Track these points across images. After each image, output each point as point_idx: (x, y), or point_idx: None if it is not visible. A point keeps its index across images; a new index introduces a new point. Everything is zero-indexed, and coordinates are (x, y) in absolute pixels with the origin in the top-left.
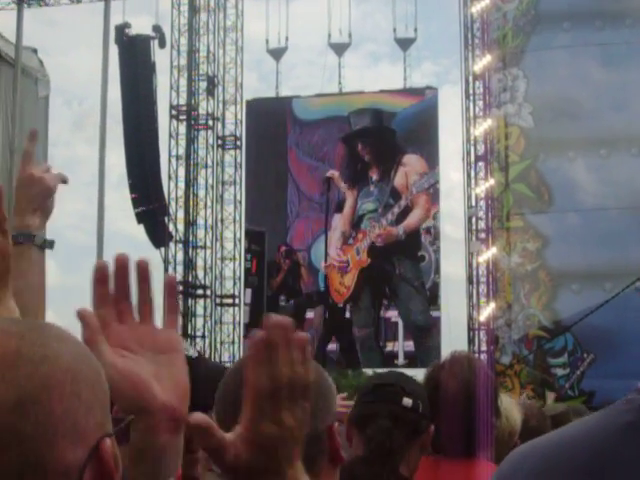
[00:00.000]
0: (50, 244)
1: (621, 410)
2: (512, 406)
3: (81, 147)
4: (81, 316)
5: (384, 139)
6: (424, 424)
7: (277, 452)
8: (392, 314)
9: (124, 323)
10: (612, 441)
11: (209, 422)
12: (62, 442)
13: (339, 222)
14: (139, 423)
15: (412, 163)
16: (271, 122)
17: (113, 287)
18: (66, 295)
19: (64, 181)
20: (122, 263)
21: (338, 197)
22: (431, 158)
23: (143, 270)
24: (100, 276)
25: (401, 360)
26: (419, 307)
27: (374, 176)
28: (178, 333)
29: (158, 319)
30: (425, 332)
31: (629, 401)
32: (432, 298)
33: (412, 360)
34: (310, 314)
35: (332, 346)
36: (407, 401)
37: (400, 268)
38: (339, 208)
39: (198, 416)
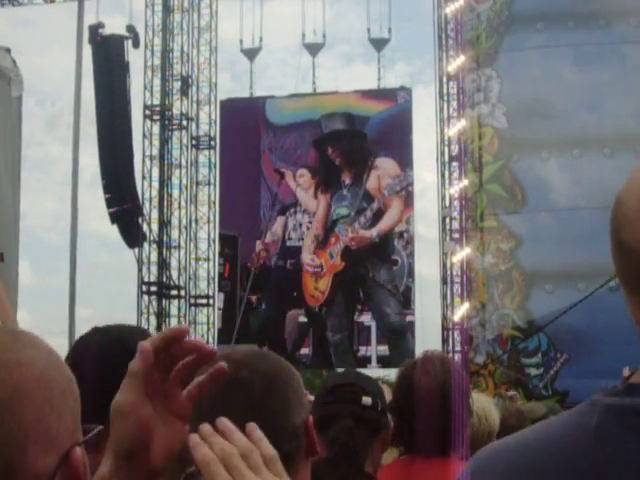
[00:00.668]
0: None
1: (586, 412)
2: (490, 406)
3: (54, 147)
4: (142, 349)
5: (355, 142)
6: (384, 421)
7: None
8: (365, 318)
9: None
10: (579, 443)
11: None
12: (33, 448)
13: (313, 226)
14: (126, 465)
15: (385, 167)
16: (245, 123)
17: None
18: (39, 295)
19: None
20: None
21: (283, 200)
22: (404, 160)
23: (217, 375)
24: (146, 363)
25: (374, 364)
26: (393, 310)
27: (346, 180)
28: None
29: None
30: (399, 335)
31: (594, 403)
32: (405, 302)
33: (386, 364)
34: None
35: (305, 350)
36: (366, 400)
37: (374, 271)
38: (283, 211)
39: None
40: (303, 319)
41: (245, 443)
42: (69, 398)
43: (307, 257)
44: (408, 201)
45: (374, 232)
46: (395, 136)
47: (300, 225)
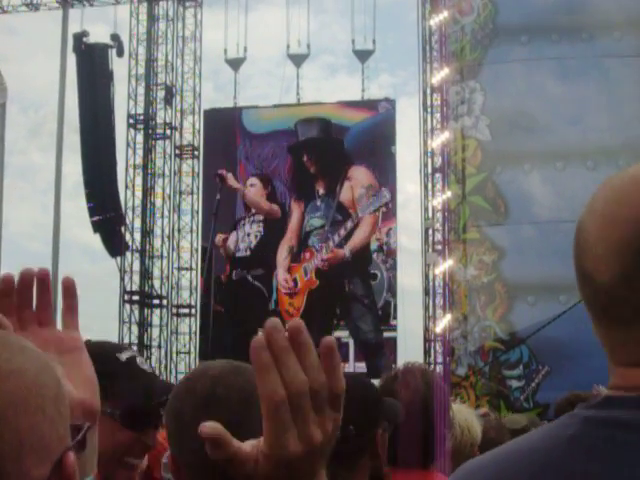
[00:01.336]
0: None
1: (566, 424)
2: (472, 418)
3: (37, 155)
4: None
5: (331, 150)
6: (364, 441)
7: (302, 468)
8: (343, 334)
9: (26, 330)
10: (555, 454)
11: (223, 432)
12: (28, 458)
13: (287, 236)
14: None
15: (357, 176)
16: (226, 133)
17: (16, 298)
18: None
19: None
20: (26, 275)
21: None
22: (385, 171)
23: (43, 278)
24: (4, 288)
25: None
26: (370, 326)
27: (320, 189)
28: (78, 332)
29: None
30: (377, 351)
31: (573, 415)
32: (384, 316)
33: None
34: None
35: None
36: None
37: (350, 285)
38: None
39: (211, 426)
40: None
41: (321, 378)
42: (60, 403)
43: (281, 276)
44: (387, 216)
45: (347, 250)
46: (375, 146)
47: (248, 235)
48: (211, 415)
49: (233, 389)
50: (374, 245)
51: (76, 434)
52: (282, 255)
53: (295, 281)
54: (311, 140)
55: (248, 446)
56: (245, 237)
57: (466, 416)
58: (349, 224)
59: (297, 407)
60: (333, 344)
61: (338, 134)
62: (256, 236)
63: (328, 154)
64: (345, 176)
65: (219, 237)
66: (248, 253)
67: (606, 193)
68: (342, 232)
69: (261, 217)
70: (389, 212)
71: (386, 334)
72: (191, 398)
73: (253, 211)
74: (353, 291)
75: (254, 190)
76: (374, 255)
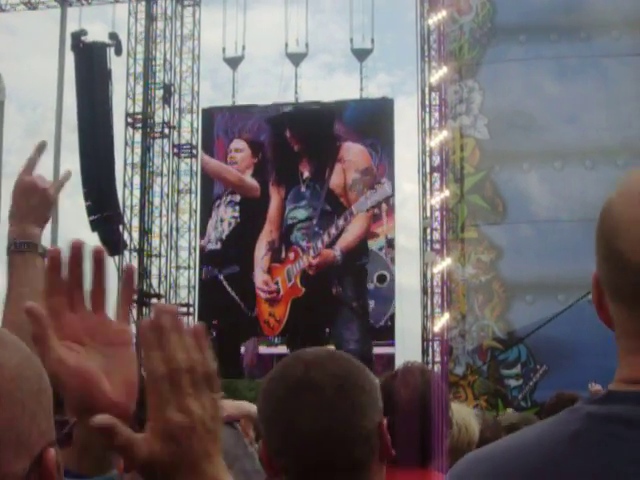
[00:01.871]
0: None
1: (568, 419)
2: (470, 416)
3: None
4: (29, 312)
5: (320, 125)
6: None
7: (191, 445)
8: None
9: (76, 312)
10: (559, 449)
11: (113, 421)
12: (5, 453)
13: (266, 229)
14: (86, 420)
15: (352, 157)
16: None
17: (67, 275)
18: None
19: (67, 179)
20: (77, 250)
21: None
22: (385, 150)
23: (98, 258)
24: (53, 263)
25: None
26: (354, 334)
27: (305, 172)
28: (130, 326)
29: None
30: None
31: (575, 410)
32: (385, 331)
33: None
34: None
35: None
36: None
37: (338, 288)
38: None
39: (100, 417)
40: (265, 350)
41: (195, 356)
42: (42, 397)
43: (259, 277)
44: (389, 212)
45: (337, 251)
46: (374, 123)
47: (221, 221)
48: (302, 399)
49: (327, 374)
50: (381, 241)
51: (61, 429)
52: (260, 251)
53: (277, 285)
54: (296, 112)
55: (140, 434)
56: (218, 223)
57: (464, 415)
58: (341, 222)
59: (175, 382)
60: (202, 329)
61: (330, 110)
62: (230, 223)
63: (316, 129)
64: (336, 157)
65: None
66: (219, 246)
67: (638, 175)
68: (333, 231)
69: (238, 198)
70: (390, 209)
71: (381, 349)
72: (284, 382)
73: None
74: (341, 294)
75: (240, 157)
76: (382, 252)
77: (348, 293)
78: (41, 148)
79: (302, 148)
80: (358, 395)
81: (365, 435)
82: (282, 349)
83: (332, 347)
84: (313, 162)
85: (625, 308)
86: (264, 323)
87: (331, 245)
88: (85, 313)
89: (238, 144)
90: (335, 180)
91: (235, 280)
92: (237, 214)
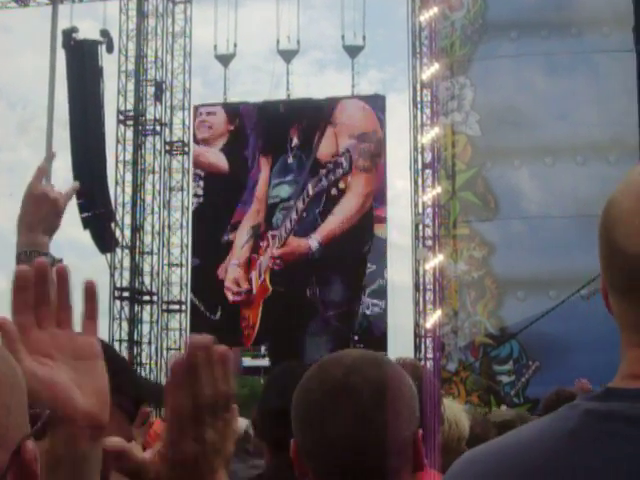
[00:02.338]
0: (59, 262)
1: (566, 416)
2: (461, 412)
3: (25, 151)
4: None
5: (312, 102)
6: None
7: (198, 466)
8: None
9: (43, 329)
10: (557, 446)
11: (124, 446)
12: None
13: (252, 210)
14: (59, 431)
15: (347, 119)
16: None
17: (33, 294)
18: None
19: (75, 190)
20: (42, 269)
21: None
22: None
23: (62, 276)
24: (20, 283)
25: None
26: (322, 347)
27: (294, 138)
28: (98, 339)
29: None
30: None
31: (574, 407)
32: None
33: None
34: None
35: None
36: None
37: (315, 289)
38: None
39: (113, 440)
40: (250, 362)
41: (222, 389)
42: (16, 391)
43: (232, 273)
44: (376, 180)
45: (314, 241)
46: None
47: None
48: (340, 404)
49: (367, 380)
50: (384, 231)
51: (35, 423)
52: (242, 238)
53: (250, 283)
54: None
55: (148, 453)
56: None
57: (454, 411)
58: (324, 182)
59: (197, 417)
60: (230, 355)
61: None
62: (192, 203)
63: (308, 102)
64: (328, 120)
65: None
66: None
67: (637, 172)
68: (317, 210)
69: (202, 172)
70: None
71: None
72: (321, 384)
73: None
74: (316, 298)
75: (211, 120)
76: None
77: (331, 296)
78: (51, 158)
79: (291, 112)
80: (396, 404)
81: (399, 445)
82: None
83: (377, 353)
84: (302, 126)
85: (622, 300)
86: (242, 329)
87: (308, 232)
88: (53, 330)
89: (211, 108)
90: (324, 149)
91: (196, 275)
92: (201, 191)
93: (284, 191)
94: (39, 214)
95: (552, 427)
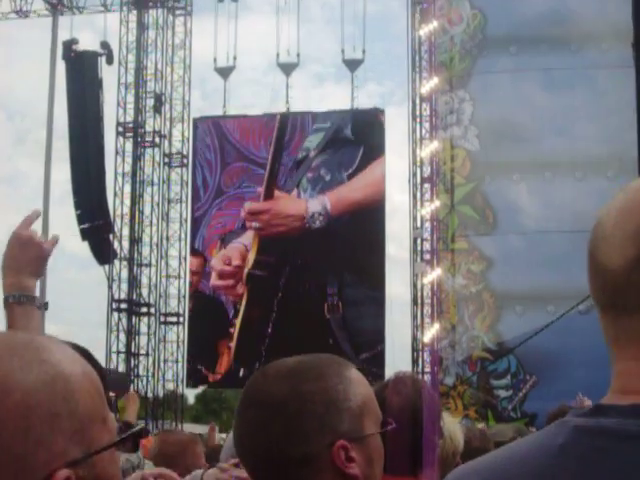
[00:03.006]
0: (46, 306)
1: (555, 432)
2: (455, 426)
3: (23, 162)
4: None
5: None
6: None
7: None
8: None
9: None
10: (545, 462)
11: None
12: (3, 476)
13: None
14: None
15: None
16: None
17: None
18: None
19: (57, 240)
20: None
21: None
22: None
23: None
24: None
25: None
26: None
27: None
28: None
29: None
30: None
31: (563, 423)
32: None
33: None
34: None
35: None
36: None
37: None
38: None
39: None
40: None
41: None
42: (61, 420)
43: (216, 255)
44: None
45: (315, 203)
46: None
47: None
48: (245, 415)
49: (274, 393)
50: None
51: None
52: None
53: (234, 272)
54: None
55: None
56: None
57: (449, 425)
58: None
59: None
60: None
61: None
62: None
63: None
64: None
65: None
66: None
67: (624, 191)
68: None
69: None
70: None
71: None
72: (242, 394)
73: None
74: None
75: None
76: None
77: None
78: (38, 213)
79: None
80: (298, 419)
81: (303, 457)
82: None
83: (315, 357)
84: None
85: (605, 316)
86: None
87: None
88: None
89: None
90: None
91: None
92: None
93: (312, 142)
94: (25, 258)
95: (542, 443)
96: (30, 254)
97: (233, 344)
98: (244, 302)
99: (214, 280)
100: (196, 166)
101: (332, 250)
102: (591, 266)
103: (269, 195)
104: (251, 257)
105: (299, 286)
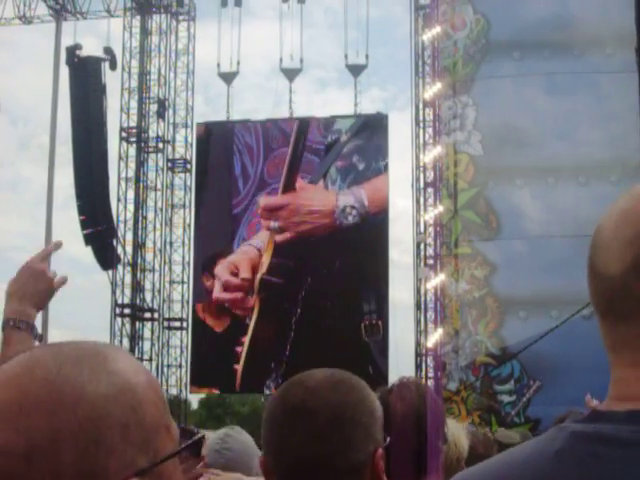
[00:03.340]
0: (41, 338)
1: (554, 437)
2: (460, 432)
3: (26, 167)
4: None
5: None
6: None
7: None
8: None
9: None
10: (543, 467)
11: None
12: None
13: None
14: None
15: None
16: (220, 147)
17: None
18: None
19: (65, 281)
20: None
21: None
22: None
23: None
24: None
25: None
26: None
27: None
28: None
29: None
30: None
31: (561, 429)
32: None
33: None
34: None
35: None
36: None
37: (330, 302)
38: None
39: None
40: None
41: None
42: (132, 429)
43: (221, 264)
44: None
45: (348, 197)
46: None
47: None
48: (296, 426)
49: (324, 404)
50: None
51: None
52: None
53: (248, 287)
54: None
55: None
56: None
57: (453, 430)
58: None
59: None
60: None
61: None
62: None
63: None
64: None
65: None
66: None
67: (624, 198)
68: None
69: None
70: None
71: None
72: (283, 405)
73: None
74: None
75: None
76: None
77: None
78: (58, 245)
79: None
80: (352, 428)
81: (353, 466)
82: None
83: (339, 371)
84: None
85: (603, 322)
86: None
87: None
88: None
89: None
90: None
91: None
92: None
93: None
94: (33, 289)
95: (540, 448)
96: (39, 287)
97: (240, 367)
98: (255, 316)
99: (218, 292)
100: (234, 152)
101: (365, 254)
102: (590, 272)
103: (290, 187)
104: (265, 260)
105: (324, 299)
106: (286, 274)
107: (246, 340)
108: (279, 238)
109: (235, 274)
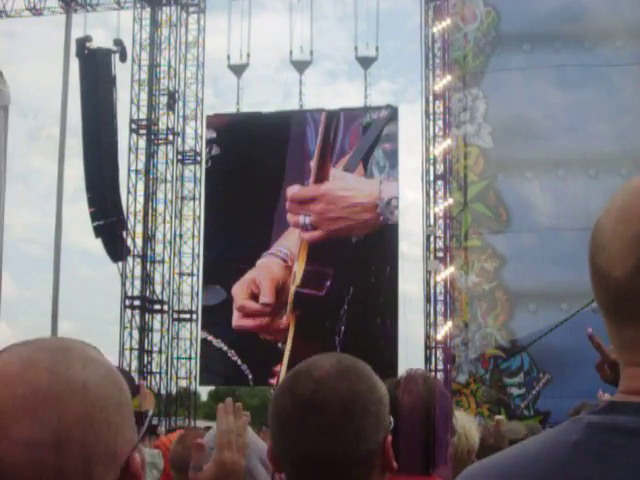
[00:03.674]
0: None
1: (569, 429)
2: (471, 424)
3: (36, 159)
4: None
5: None
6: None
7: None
8: None
9: None
10: (559, 459)
11: None
12: (97, 469)
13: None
14: None
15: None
16: (231, 139)
17: None
18: (21, 308)
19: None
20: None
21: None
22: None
23: None
24: None
25: None
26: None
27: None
28: None
29: None
30: None
31: (577, 420)
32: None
33: None
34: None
35: None
36: None
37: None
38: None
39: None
40: None
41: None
42: (124, 408)
43: (239, 283)
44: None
45: (392, 188)
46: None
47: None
48: (307, 419)
49: (334, 395)
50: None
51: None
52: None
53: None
54: None
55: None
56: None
57: (464, 423)
58: None
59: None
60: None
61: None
62: None
63: None
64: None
65: None
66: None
67: (622, 193)
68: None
69: None
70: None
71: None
72: (292, 398)
73: None
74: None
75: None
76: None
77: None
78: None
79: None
80: (362, 418)
81: (366, 456)
82: None
83: (344, 357)
84: None
85: (611, 322)
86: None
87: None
88: None
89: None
90: None
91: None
92: None
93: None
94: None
95: (556, 440)
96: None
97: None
98: (290, 339)
99: (237, 320)
100: (304, 121)
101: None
102: (593, 270)
103: (323, 175)
104: (299, 268)
105: (372, 313)
106: (324, 282)
107: (281, 369)
108: (309, 236)
109: (254, 297)
